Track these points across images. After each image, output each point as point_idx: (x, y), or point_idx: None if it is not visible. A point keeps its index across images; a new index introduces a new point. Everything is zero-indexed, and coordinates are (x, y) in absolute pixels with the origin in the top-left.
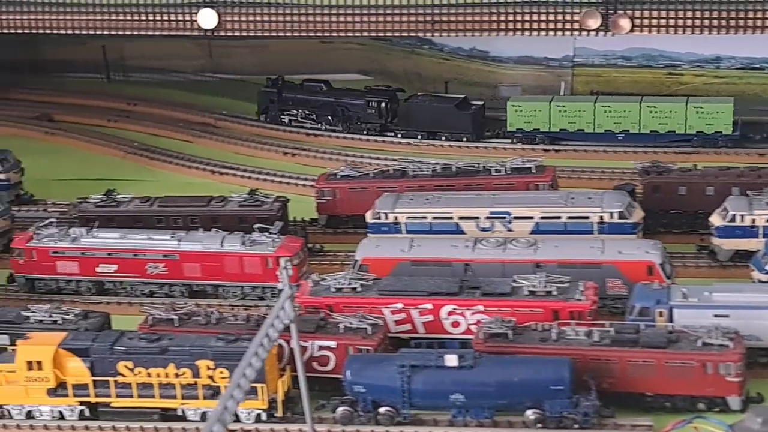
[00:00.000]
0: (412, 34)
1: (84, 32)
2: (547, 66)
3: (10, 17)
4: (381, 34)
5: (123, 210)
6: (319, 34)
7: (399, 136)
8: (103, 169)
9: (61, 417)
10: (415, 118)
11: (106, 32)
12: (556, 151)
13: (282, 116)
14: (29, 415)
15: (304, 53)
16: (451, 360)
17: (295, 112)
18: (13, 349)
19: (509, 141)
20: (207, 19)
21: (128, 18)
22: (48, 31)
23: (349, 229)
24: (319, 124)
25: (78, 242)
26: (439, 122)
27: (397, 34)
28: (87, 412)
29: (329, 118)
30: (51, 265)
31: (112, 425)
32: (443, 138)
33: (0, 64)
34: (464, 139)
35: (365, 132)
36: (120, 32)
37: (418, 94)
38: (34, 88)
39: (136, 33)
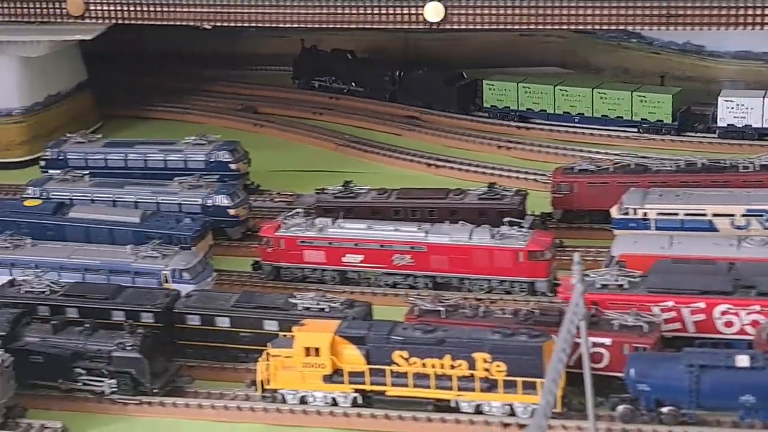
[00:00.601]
0: (646, 27)
1: (304, 27)
2: (766, 61)
3: (224, 10)
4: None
5: (361, 201)
6: (547, 27)
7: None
8: (315, 160)
9: (334, 403)
10: (411, 91)
11: (331, 26)
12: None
13: (313, 81)
14: (303, 400)
15: (501, 45)
16: (743, 360)
17: (325, 78)
18: (284, 335)
19: (713, 135)
20: (434, 12)
21: (353, 12)
22: (268, 25)
23: (584, 224)
24: (344, 88)
25: (325, 232)
26: (430, 95)
27: (631, 27)
28: (359, 400)
29: (352, 84)
30: (298, 254)
31: (385, 413)
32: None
33: (203, 57)
34: (451, 112)
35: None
36: (341, 26)
37: (420, 69)
38: (236, 81)
39: (354, 27)
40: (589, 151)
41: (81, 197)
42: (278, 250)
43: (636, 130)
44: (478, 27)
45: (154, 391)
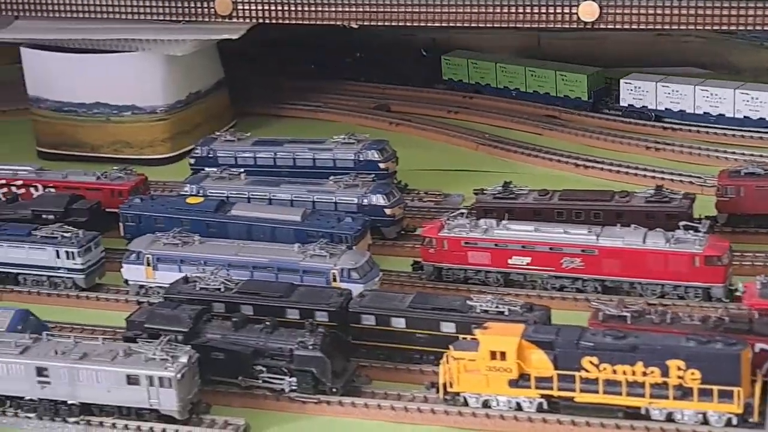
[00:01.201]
0: None
1: (453, 26)
2: None
3: (373, 10)
4: None
5: (522, 202)
6: (699, 27)
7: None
8: (456, 159)
9: (518, 408)
10: (373, 69)
11: (480, 25)
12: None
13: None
14: (485, 404)
15: (638, 45)
16: None
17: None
18: (463, 337)
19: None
20: (589, 11)
21: (504, 11)
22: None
23: (749, 228)
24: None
25: (490, 233)
26: (393, 72)
27: None
28: (545, 405)
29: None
30: (462, 255)
31: (572, 420)
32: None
33: (335, 56)
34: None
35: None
36: (490, 25)
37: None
38: (368, 79)
39: (502, 26)
40: (735, 153)
41: (237, 195)
42: (441, 250)
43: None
44: (634, 27)
45: (334, 390)
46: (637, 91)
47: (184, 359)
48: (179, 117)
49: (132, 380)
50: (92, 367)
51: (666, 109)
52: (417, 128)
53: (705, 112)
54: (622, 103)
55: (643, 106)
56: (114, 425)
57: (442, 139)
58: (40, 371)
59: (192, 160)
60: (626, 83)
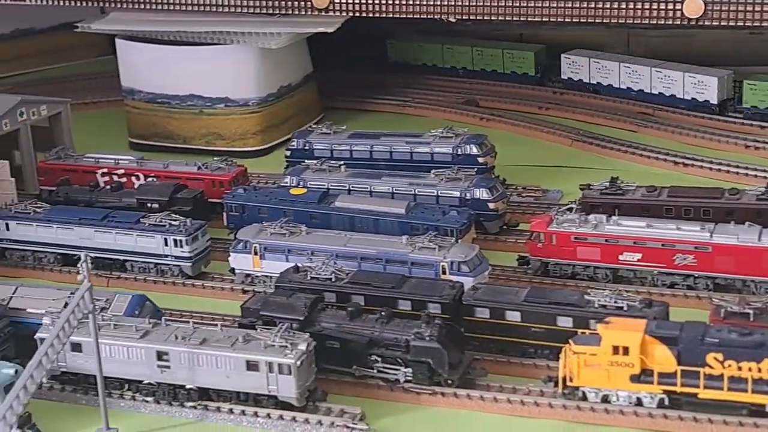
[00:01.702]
0: None
1: (552, 21)
2: None
3: (471, 3)
4: None
5: (630, 198)
6: None
7: None
8: (551, 155)
9: (639, 403)
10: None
11: (582, 20)
12: None
13: None
14: (605, 399)
15: (729, 42)
16: None
17: None
18: (581, 332)
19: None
20: (694, 8)
21: (606, 7)
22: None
23: None
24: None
25: (601, 229)
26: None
27: None
28: (666, 401)
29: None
30: (571, 250)
31: (693, 416)
32: None
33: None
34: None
35: None
36: (589, 20)
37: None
38: (456, 74)
39: (603, 22)
40: None
41: (338, 187)
42: (549, 245)
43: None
44: (731, 24)
45: (449, 382)
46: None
47: (302, 346)
48: (270, 110)
49: (251, 366)
50: (212, 352)
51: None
52: (508, 124)
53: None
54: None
55: (579, 80)
56: (231, 411)
57: (535, 135)
58: (160, 355)
59: (288, 152)
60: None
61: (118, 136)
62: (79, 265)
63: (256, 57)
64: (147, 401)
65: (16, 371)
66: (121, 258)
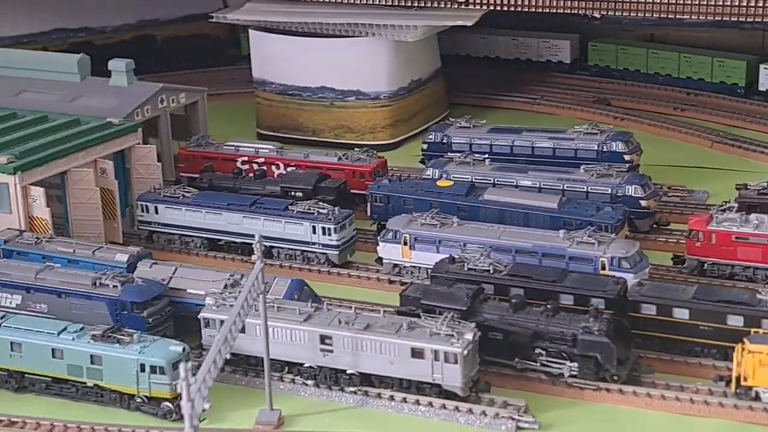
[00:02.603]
0: None
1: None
2: None
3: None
4: None
5: None
6: None
7: None
8: (691, 155)
9: None
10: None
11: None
12: None
13: None
14: None
15: None
16: None
17: None
18: (754, 331)
19: None
20: None
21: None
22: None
23: None
24: None
25: (763, 229)
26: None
27: None
28: None
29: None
30: (731, 250)
31: None
32: None
33: None
34: None
35: None
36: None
37: None
38: (586, 72)
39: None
40: None
41: (482, 180)
42: (708, 244)
43: None
44: None
45: (615, 378)
46: None
47: (469, 336)
48: (401, 104)
49: (416, 353)
50: (376, 338)
51: None
52: (643, 123)
53: None
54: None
55: None
56: (392, 397)
57: (672, 135)
58: (324, 339)
59: (424, 146)
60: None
61: (246, 127)
62: (253, 245)
63: (389, 50)
64: (307, 384)
65: (183, 349)
66: (268, 244)
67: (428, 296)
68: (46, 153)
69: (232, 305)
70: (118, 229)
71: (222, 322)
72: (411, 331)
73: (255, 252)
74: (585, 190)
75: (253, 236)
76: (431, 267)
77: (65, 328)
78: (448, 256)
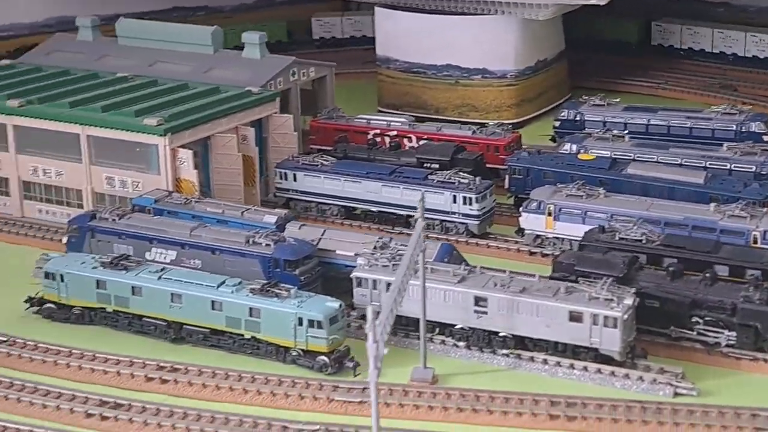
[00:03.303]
0: None
1: None
2: None
3: None
4: None
5: None
6: None
7: None
8: None
9: None
10: None
11: None
12: None
13: None
14: None
15: None
16: None
17: None
18: None
19: None
20: None
21: None
22: None
23: None
24: None
25: None
26: None
27: None
28: None
29: None
30: None
31: None
32: None
33: None
34: None
35: None
36: None
37: None
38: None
39: None
40: None
41: (623, 156)
42: None
43: None
44: None
45: None
46: None
47: (629, 301)
48: (526, 84)
49: (574, 317)
50: (533, 300)
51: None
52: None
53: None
54: None
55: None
56: (545, 361)
57: None
58: (478, 301)
59: (557, 123)
60: None
61: (366, 104)
62: (417, 202)
63: (517, 28)
64: (458, 346)
65: (340, 305)
66: (406, 213)
67: (583, 263)
68: (193, 117)
69: (384, 266)
70: (256, 195)
71: (375, 281)
72: (569, 295)
73: (417, 210)
74: (728, 167)
75: (390, 205)
76: (575, 238)
77: (224, 282)
78: (596, 226)
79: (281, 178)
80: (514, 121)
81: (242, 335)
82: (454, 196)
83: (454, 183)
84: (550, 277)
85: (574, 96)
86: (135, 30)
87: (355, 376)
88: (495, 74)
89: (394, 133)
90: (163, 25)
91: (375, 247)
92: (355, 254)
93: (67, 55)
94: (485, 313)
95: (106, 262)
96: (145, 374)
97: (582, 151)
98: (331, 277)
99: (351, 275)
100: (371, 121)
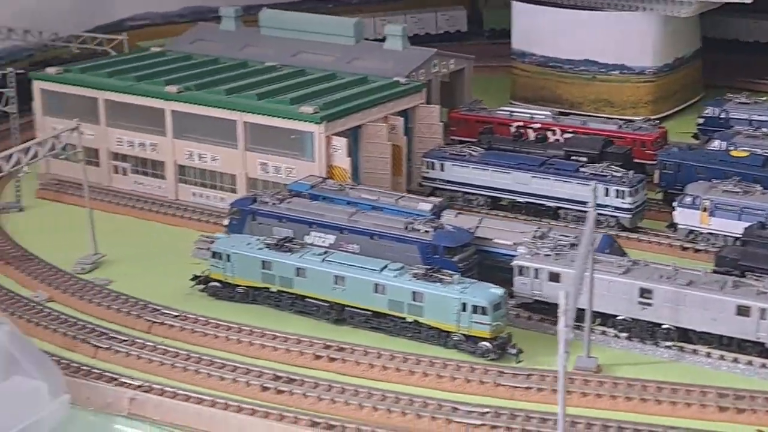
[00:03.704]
0: None
1: None
2: None
3: None
4: None
5: None
6: None
7: None
8: None
9: None
10: None
11: None
12: None
13: None
14: None
15: None
16: None
17: None
18: None
19: None
20: None
21: None
22: None
23: None
24: None
25: None
26: None
27: None
28: None
29: None
30: None
31: None
32: None
33: None
34: None
35: None
36: None
37: None
38: None
39: None
40: None
41: None
42: None
43: None
44: None
45: None
46: None
47: None
48: (664, 81)
49: (742, 311)
50: (701, 293)
51: None
52: None
53: None
54: None
55: None
56: (708, 354)
57: None
58: (643, 292)
59: (700, 120)
60: None
61: (498, 97)
62: (591, 188)
63: (657, 25)
64: (619, 336)
65: (504, 292)
66: (554, 205)
67: (748, 258)
68: (346, 106)
69: (546, 255)
70: (402, 184)
71: (536, 270)
72: (736, 289)
73: (589, 201)
74: None
75: (539, 196)
76: (730, 234)
77: (386, 266)
78: (756, 222)
79: (428, 168)
80: (651, 117)
81: (404, 318)
82: (606, 189)
83: (606, 176)
84: (714, 271)
85: (707, 96)
86: (278, 20)
87: (518, 362)
88: (633, 70)
89: (538, 125)
90: (306, 16)
91: (534, 237)
92: (513, 243)
93: (211, 44)
94: (650, 304)
95: (271, 243)
96: (313, 352)
97: (732, 148)
98: (487, 266)
99: (512, 263)
100: (513, 114)
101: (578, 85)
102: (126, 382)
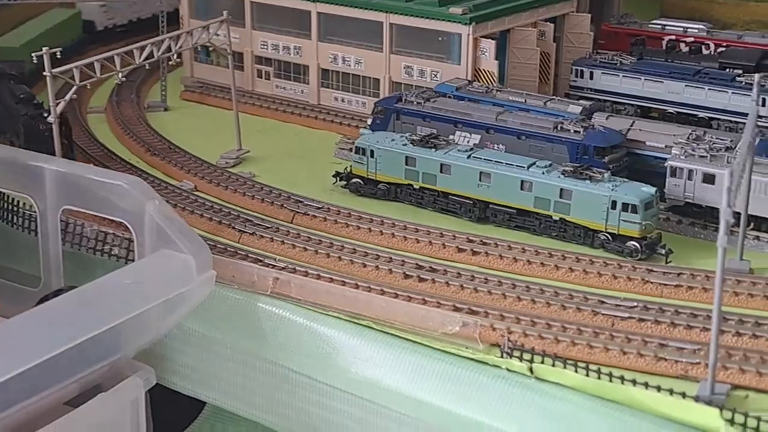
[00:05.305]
0: None
1: None
2: None
3: None
4: None
5: None
6: None
7: None
8: None
9: None
10: None
11: None
12: None
13: None
14: None
15: None
16: None
17: None
18: None
19: None
20: None
21: None
22: None
23: None
24: None
25: None
26: None
27: None
28: None
29: None
30: None
31: None
32: None
33: None
34: None
35: None
36: None
37: None
38: None
39: None
40: None
41: None
42: None
43: None
44: None
45: None
46: None
47: None
48: None
49: None
50: None
51: None
52: None
53: None
54: None
55: None
56: None
57: None
58: None
59: None
60: None
61: (644, 14)
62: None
63: None
64: None
65: (656, 191)
66: (707, 116)
67: None
68: (497, 8)
69: (701, 156)
70: (548, 93)
71: (691, 171)
72: None
73: (752, 95)
74: None
75: (692, 106)
76: None
77: (534, 163)
78: None
79: (576, 76)
80: None
81: (550, 216)
82: (764, 99)
83: (765, 85)
84: None
85: None
86: None
87: (667, 263)
88: None
89: (691, 39)
90: None
91: (688, 138)
92: (666, 146)
93: None
94: None
95: (415, 139)
96: (456, 246)
97: None
98: (637, 169)
99: (666, 164)
100: (666, 27)
101: (732, 6)
102: (270, 264)
